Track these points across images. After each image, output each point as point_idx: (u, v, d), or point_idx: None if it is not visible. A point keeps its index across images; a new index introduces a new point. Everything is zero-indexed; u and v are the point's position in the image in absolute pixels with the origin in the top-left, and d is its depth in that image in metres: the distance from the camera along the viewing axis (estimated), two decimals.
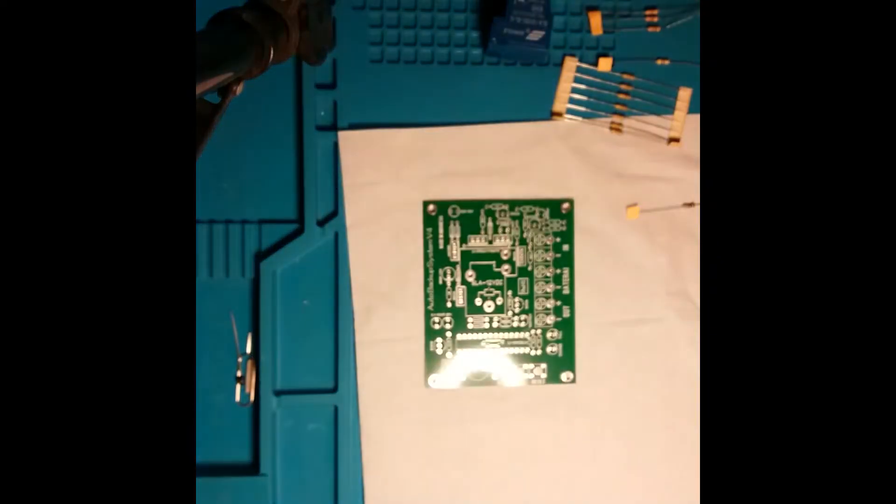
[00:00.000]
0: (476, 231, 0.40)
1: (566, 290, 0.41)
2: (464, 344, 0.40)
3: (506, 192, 0.45)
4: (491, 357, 0.40)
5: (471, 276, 0.40)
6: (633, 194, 0.46)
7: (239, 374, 0.45)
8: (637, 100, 0.47)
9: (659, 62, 0.47)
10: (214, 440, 0.45)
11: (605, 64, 0.46)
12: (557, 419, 0.45)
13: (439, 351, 0.40)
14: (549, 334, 0.41)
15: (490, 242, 0.40)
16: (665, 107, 0.47)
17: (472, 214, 0.40)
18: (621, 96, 0.46)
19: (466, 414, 0.45)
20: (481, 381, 0.40)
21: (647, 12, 0.47)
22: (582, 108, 0.46)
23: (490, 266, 0.40)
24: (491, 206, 0.40)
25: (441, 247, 0.40)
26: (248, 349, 0.45)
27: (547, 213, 0.40)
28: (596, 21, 0.47)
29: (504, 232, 0.40)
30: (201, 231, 0.45)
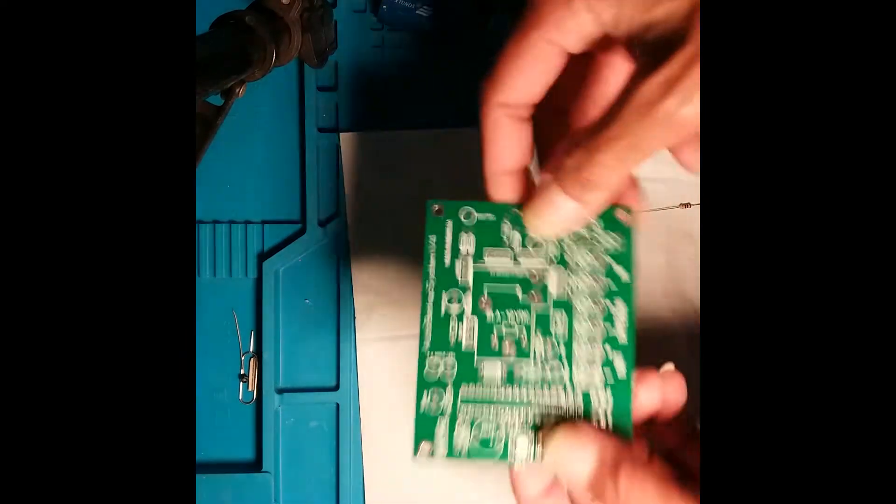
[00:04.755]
0: (497, 244, 0.26)
1: (622, 337, 0.26)
2: (470, 400, 0.26)
3: None
4: (506, 422, 0.26)
5: (486, 305, 0.26)
6: None
7: (242, 372, 0.45)
8: None
9: None
10: (218, 437, 0.45)
11: None
12: None
13: (432, 410, 0.26)
14: (594, 397, 0.26)
15: (515, 261, 0.26)
16: None
17: (492, 222, 0.26)
18: None
19: None
20: (491, 453, 0.25)
21: None
22: None
23: (513, 293, 0.26)
24: (518, 212, 0.26)
25: (447, 263, 0.26)
26: (251, 348, 0.46)
27: (598, 224, 0.26)
28: None
29: (536, 248, 0.26)
30: (205, 231, 0.46)
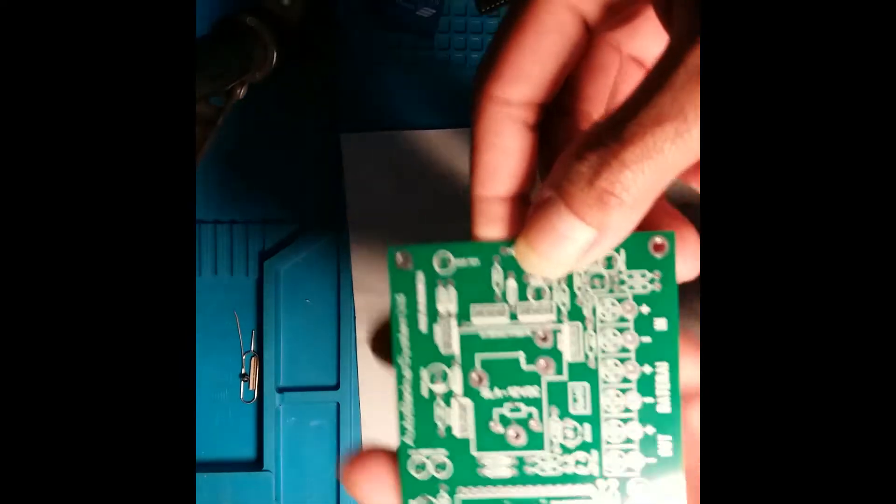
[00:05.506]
0: (487, 298, 0.19)
1: (664, 406, 0.19)
2: None
3: None
4: None
5: (480, 381, 0.19)
6: None
7: (243, 371, 0.45)
8: None
9: None
10: (219, 436, 0.45)
11: None
12: None
13: None
14: (632, 490, 0.19)
15: (513, 318, 0.19)
16: None
17: (477, 269, 0.19)
18: None
19: None
20: None
21: None
22: None
23: (515, 362, 0.19)
24: (512, 252, 0.19)
25: (423, 329, 0.20)
26: (252, 347, 0.46)
27: (622, 258, 0.19)
28: None
29: (539, 298, 0.19)
30: (206, 231, 0.46)
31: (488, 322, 0.19)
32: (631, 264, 0.19)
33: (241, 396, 0.45)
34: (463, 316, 0.19)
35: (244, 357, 0.46)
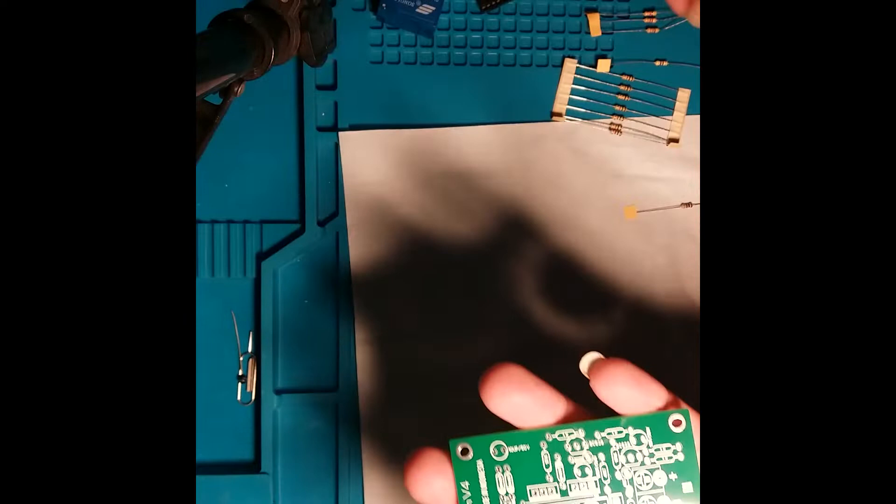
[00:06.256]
0: (539, 479, 0.23)
1: None
2: None
3: (507, 194, 0.45)
4: None
5: None
6: (632, 195, 0.46)
7: (240, 372, 0.45)
8: (636, 101, 0.47)
9: (657, 63, 0.47)
10: (216, 438, 0.45)
11: (603, 65, 0.47)
12: None
13: None
14: None
15: (564, 495, 0.23)
16: (664, 108, 0.47)
17: (528, 452, 0.23)
18: (620, 97, 0.47)
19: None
20: None
21: (646, 13, 0.47)
22: (581, 110, 0.47)
23: None
24: (556, 437, 0.23)
25: None
26: (250, 348, 0.45)
27: (648, 435, 0.23)
28: (595, 23, 0.47)
29: (584, 475, 0.23)
30: (203, 231, 0.45)
31: (543, 499, 0.23)
32: (657, 439, 0.23)
33: (239, 398, 0.45)
34: (521, 495, 0.23)
35: (242, 358, 0.45)
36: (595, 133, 0.47)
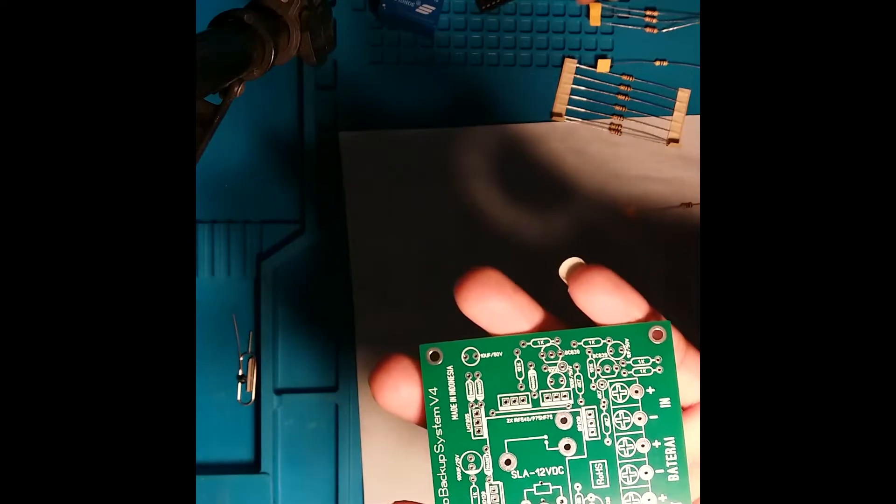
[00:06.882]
0: (511, 388, 0.22)
1: (673, 475, 0.22)
2: None
3: (507, 194, 0.45)
4: None
5: (509, 463, 0.22)
6: (632, 195, 0.46)
7: (240, 372, 0.45)
8: (636, 101, 0.47)
9: (657, 63, 0.47)
10: (216, 438, 0.45)
11: (603, 65, 0.47)
12: None
13: None
14: None
15: (535, 404, 0.22)
16: (664, 108, 0.47)
17: (500, 359, 0.22)
18: (620, 97, 0.47)
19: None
20: None
21: (647, 12, 0.47)
22: (581, 110, 0.47)
23: (541, 443, 0.22)
24: (531, 344, 0.22)
25: (455, 417, 0.22)
26: (250, 348, 0.45)
27: (627, 347, 0.22)
28: (595, 12, 0.47)
29: (558, 385, 0.22)
30: (203, 231, 0.45)
31: (513, 409, 0.22)
32: (635, 351, 0.21)
33: (239, 398, 0.45)
34: (490, 404, 0.22)
35: (242, 358, 0.45)
36: (595, 133, 0.47)
